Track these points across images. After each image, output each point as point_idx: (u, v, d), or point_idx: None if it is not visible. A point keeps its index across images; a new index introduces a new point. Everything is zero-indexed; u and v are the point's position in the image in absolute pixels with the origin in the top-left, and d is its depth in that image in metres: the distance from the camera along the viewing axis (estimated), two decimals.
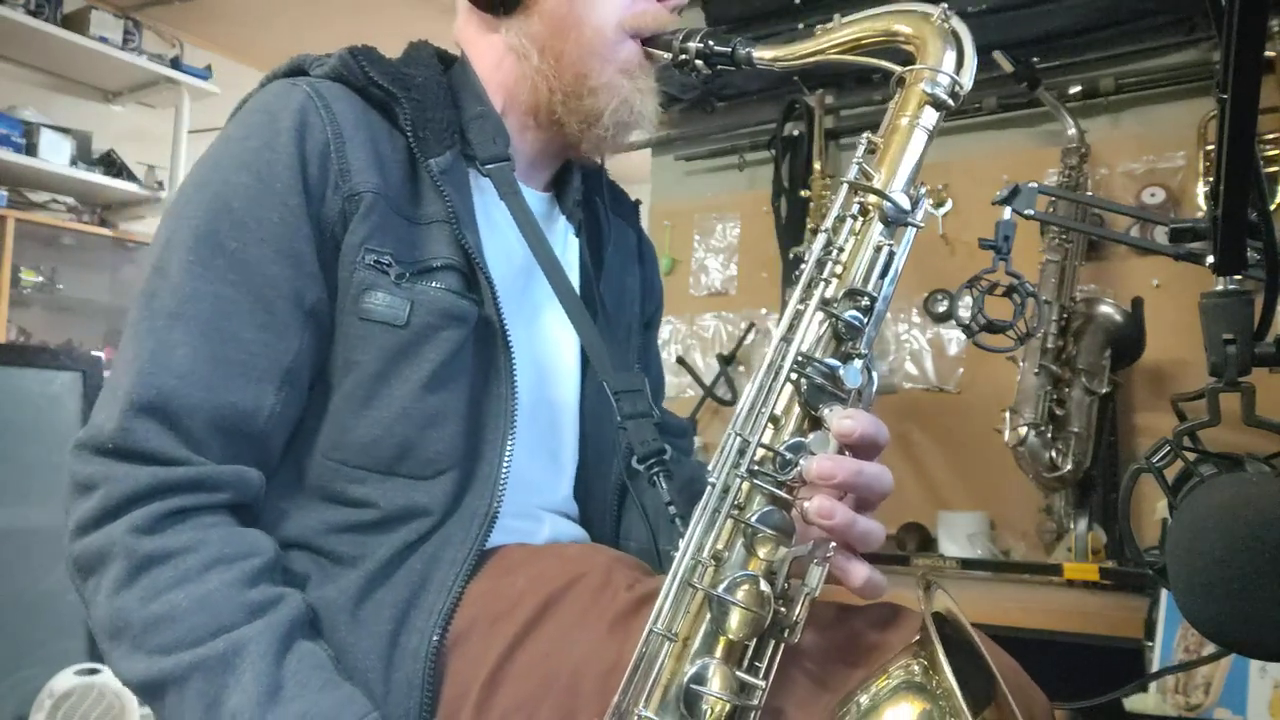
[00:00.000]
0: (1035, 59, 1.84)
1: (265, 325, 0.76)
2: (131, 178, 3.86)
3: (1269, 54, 1.56)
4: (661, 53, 0.89)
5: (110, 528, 0.70)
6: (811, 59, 0.81)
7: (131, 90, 4.10)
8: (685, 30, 0.88)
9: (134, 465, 0.71)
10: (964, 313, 0.99)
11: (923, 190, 0.75)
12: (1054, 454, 1.67)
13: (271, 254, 0.77)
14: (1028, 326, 0.99)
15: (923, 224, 0.74)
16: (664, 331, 2.38)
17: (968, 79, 0.76)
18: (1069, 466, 1.66)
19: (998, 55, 1.79)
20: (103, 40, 3.76)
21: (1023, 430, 1.67)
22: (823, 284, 0.71)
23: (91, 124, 3.96)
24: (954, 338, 2.02)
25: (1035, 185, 0.94)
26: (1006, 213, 0.94)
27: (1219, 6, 0.59)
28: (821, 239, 0.73)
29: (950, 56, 0.75)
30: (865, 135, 0.76)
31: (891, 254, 0.72)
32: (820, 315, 0.70)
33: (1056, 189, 1.71)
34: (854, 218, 0.73)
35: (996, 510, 1.89)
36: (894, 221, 0.72)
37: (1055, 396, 1.69)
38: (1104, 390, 1.69)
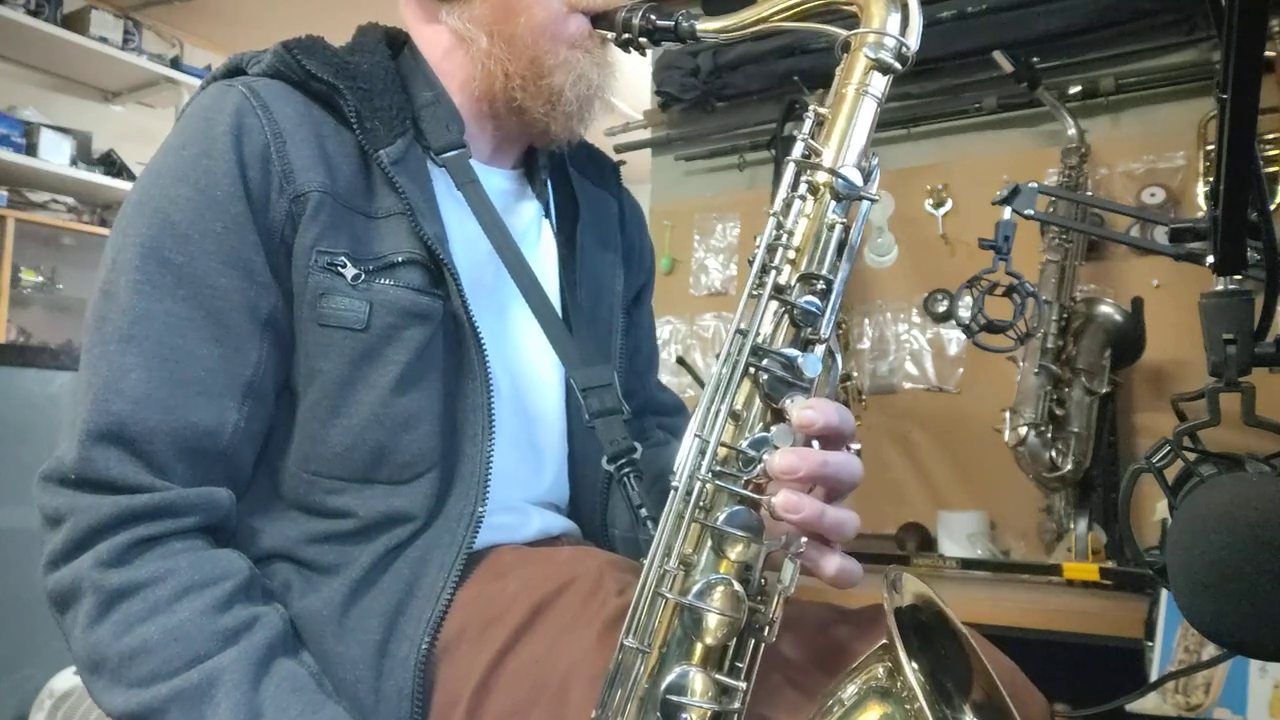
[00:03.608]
0: (1035, 59, 1.84)
1: (220, 339, 0.74)
2: (131, 178, 3.85)
3: (1269, 54, 1.56)
4: (606, 31, 0.87)
5: (78, 562, 0.69)
6: (755, 27, 0.79)
7: (131, 90, 4.11)
8: (629, 6, 0.86)
9: (98, 495, 0.70)
10: (964, 313, 0.99)
11: (875, 160, 0.71)
12: (1054, 454, 1.67)
13: (219, 265, 0.74)
14: (1028, 326, 1.00)
15: (877, 197, 0.70)
16: (664, 331, 2.38)
17: (914, 39, 0.72)
18: (1069, 466, 1.66)
19: (998, 55, 1.79)
20: (103, 40, 3.77)
21: (1023, 430, 1.67)
22: (775, 270, 0.68)
23: (91, 124, 3.96)
24: (954, 338, 2.02)
25: (1035, 185, 0.94)
26: (1006, 213, 0.94)
27: (1219, 6, 0.59)
28: (771, 222, 0.70)
29: (895, 18, 0.72)
30: (812, 107, 0.73)
31: (846, 231, 0.69)
32: (775, 304, 0.67)
33: (1056, 189, 1.71)
34: (803, 198, 0.70)
35: (996, 510, 1.89)
36: (846, 197, 0.69)
37: (1055, 396, 1.69)
38: (1104, 390, 1.68)
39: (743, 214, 2.33)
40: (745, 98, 2.28)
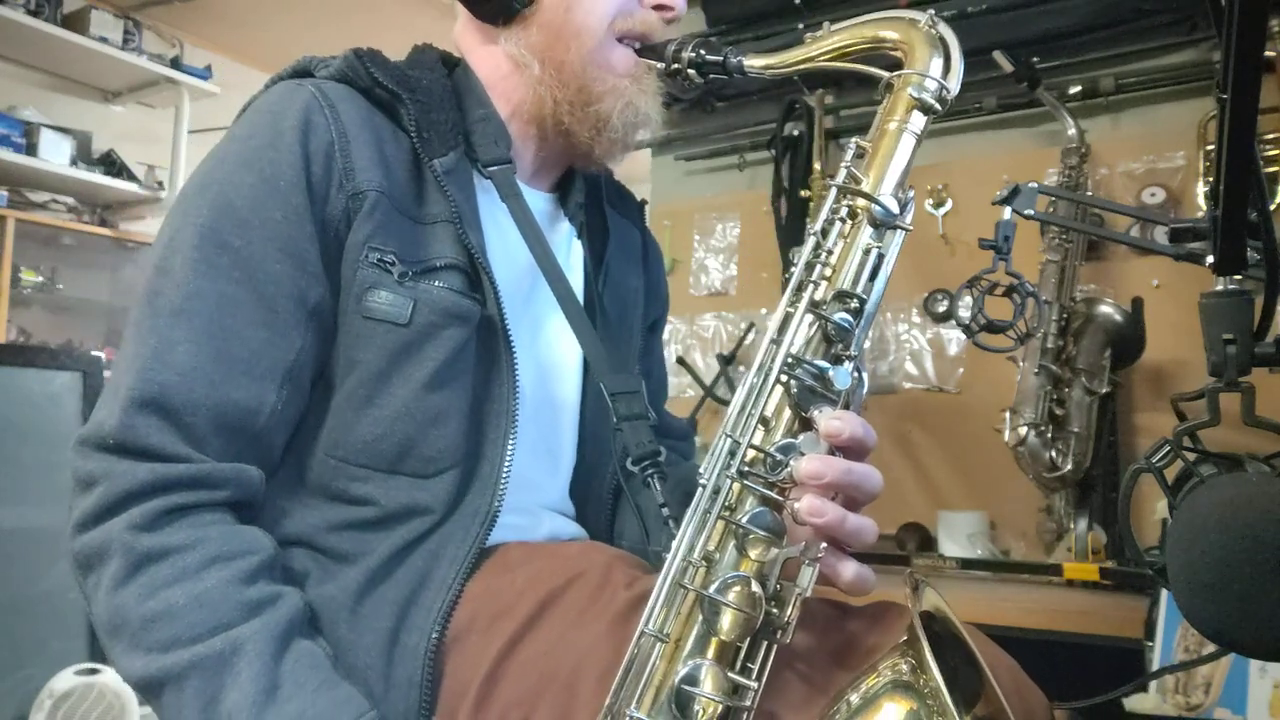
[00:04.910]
0: (1035, 59, 1.84)
1: (268, 323, 0.77)
2: (131, 178, 3.85)
3: (1269, 54, 1.56)
4: (655, 62, 0.90)
5: (110, 524, 0.70)
6: (801, 66, 0.82)
7: (131, 90, 4.10)
8: (679, 39, 0.89)
9: (134, 461, 0.71)
10: (964, 313, 0.99)
11: (910, 194, 0.75)
12: (1054, 454, 1.67)
13: (275, 252, 0.77)
14: (1028, 326, 0.99)
15: (911, 227, 0.74)
16: (664, 331, 2.38)
17: (955, 84, 0.77)
18: (1069, 466, 1.66)
19: (998, 55, 1.79)
20: (103, 40, 3.76)
21: (1023, 430, 1.67)
22: (812, 286, 0.71)
23: (91, 124, 3.96)
24: (954, 338, 2.02)
25: (1035, 185, 0.94)
26: (1006, 213, 0.94)
27: (1219, 6, 0.59)
28: (811, 241, 0.73)
29: (937, 62, 0.76)
30: (854, 139, 0.77)
31: (880, 256, 0.72)
32: (810, 317, 0.70)
33: (1056, 189, 1.71)
34: (843, 221, 0.73)
35: (996, 510, 1.89)
36: (883, 224, 0.73)
37: (1055, 396, 1.69)
38: (1104, 390, 1.68)
39: (743, 214, 2.34)
40: (745, 98, 2.28)
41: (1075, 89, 1.87)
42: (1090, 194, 1.83)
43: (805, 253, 0.73)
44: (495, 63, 0.92)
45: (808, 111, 2.13)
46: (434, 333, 0.80)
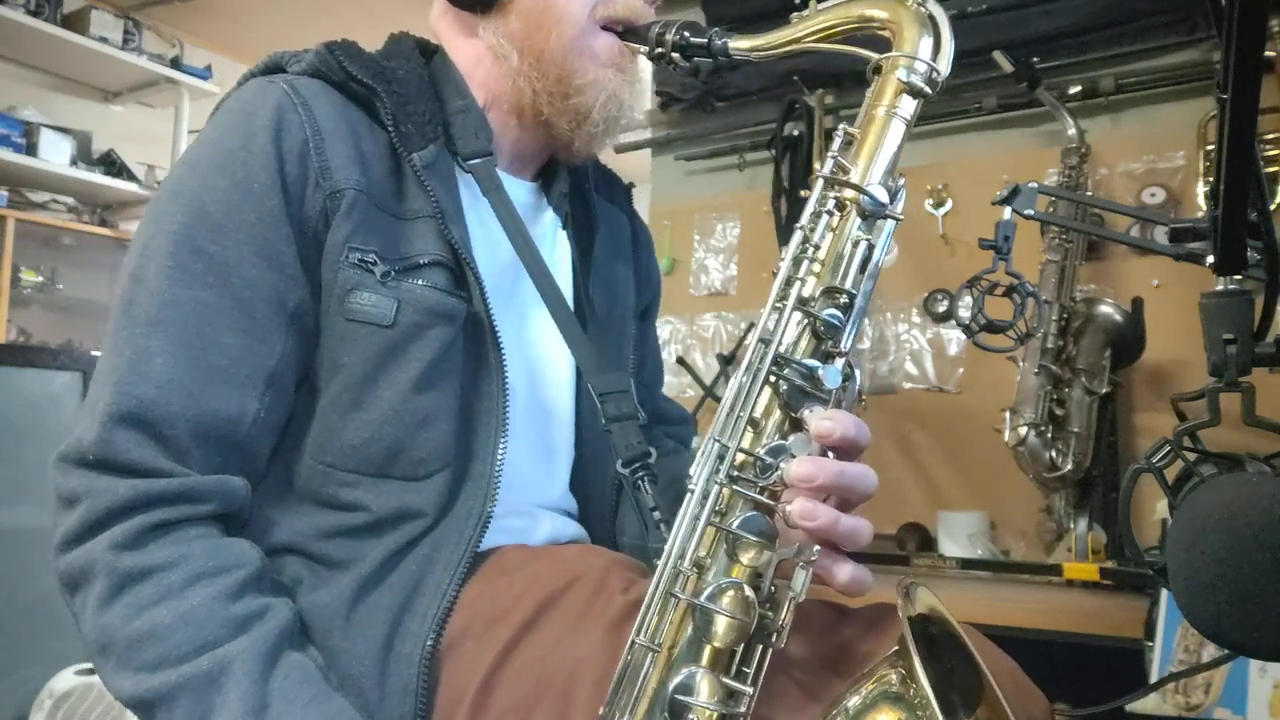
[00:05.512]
0: (1035, 59, 1.84)
1: (247, 330, 0.75)
2: (131, 178, 3.85)
3: (1269, 54, 1.56)
4: (638, 46, 0.87)
5: (92, 544, 0.69)
6: (787, 48, 0.80)
7: (131, 90, 4.10)
8: (662, 21, 0.86)
9: (115, 478, 0.70)
10: (964, 313, 0.99)
11: (901, 181, 0.72)
12: (1054, 454, 1.67)
13: (251, 256, 0.75)
14: (1028, 326, 0.99)
15: (901, 216, 0.71)
16: (664, 331, 2.38)
17: (945, 65, 0.73)
18: (1069, 466, 1.66)
19: (998, 55, 1.79)
20: (103, 40, 3.76)
21: (1023, 430, 1.67)
22: (799, 282, 0.69)
23: (91, 124, 3.96)
24: (954, 338, 2.02)
25: (1035, 185, 0.94)
26: (1006, 213, 0.94)
27: (1219, 6, 0.59)
28: (798, 236, 0.70)
29: (927, 42, 0.73)
30: (841, 127, 0.74)
31: (871, 248, 0.70)
32: (798, 315, 0.68)
33: (1056, 189, 1.71)
34: (830, 213, 0.70)
35: (996, 510, 1.89)
36: (872, 215, 0.70)
37: (1055, 396, 1.69)
38: (1104, 390, 1.68)
39: (743, 214, 2.34)
40: (745, 98, 2.28)
41: (1075, 89, 1.87)
42: (1090, 194, 1.83)
43: (792, 247, 0.70)
44: (474, 53, 0.90)
45: (808, 111, 2.13)
46: (419, 333, 0.78)
